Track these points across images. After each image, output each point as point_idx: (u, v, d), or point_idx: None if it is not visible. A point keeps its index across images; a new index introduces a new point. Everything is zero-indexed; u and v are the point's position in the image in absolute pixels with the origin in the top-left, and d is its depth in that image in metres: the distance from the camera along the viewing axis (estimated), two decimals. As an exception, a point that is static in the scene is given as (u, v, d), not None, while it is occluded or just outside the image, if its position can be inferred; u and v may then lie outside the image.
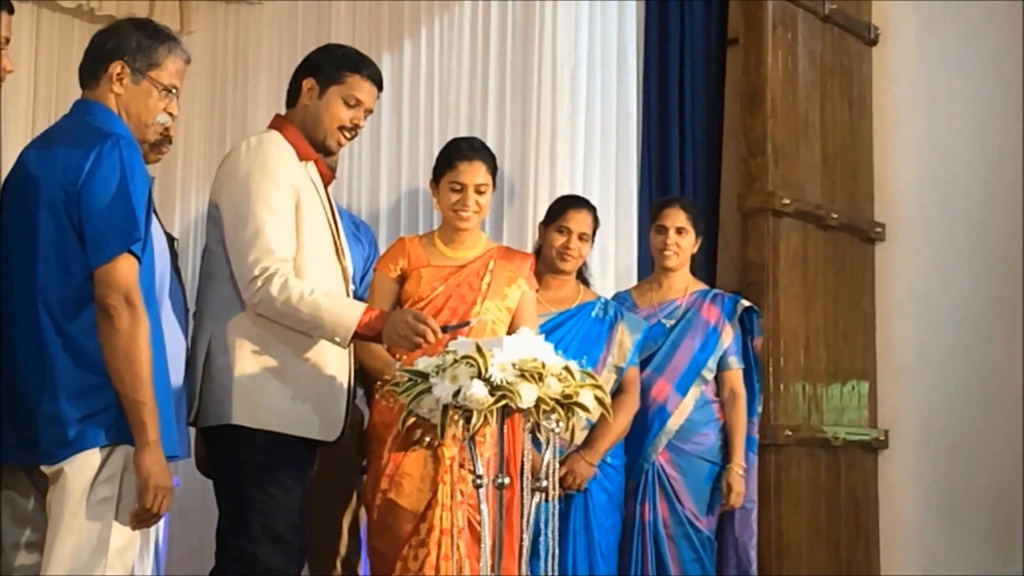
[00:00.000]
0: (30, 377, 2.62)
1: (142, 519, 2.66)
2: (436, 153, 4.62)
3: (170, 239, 3.23)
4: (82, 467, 2.60)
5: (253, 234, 3.12)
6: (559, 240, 3.95)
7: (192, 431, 3.27)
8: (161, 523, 3.38)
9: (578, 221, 3.95)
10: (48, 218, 2.65)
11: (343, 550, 3.79)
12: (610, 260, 4.41)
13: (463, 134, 4.62)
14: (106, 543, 2.59)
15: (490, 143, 4.52)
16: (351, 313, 3.12)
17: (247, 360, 3.15)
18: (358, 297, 3.72)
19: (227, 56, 5.44)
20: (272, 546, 3.12)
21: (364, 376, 3.61)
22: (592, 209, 4.03)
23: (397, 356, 3.04)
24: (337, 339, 3.12)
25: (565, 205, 4.00)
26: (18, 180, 2.74)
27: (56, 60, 5.45)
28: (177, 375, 3.02)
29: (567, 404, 2.84)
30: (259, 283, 3.08)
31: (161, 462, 2.64)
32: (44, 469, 2.63)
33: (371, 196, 4.83)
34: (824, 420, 4.96)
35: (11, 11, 2.61)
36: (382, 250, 4.29)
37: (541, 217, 4.18)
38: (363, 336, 3.14)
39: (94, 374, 2.62)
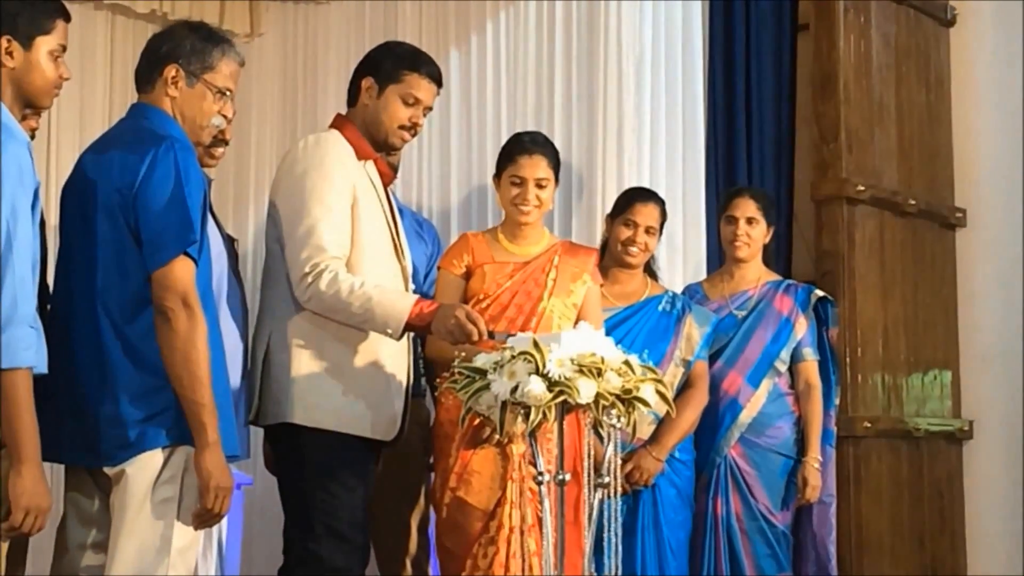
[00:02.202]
0: (90, 380, 2.65)
1: (204, 519, 2.68)
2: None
3: (229, 240, 3.25)
4: (144, 468, 2.63)
5: (306, 232, 3.12)
6: (625, 234, 3.90)
7: (257, 430, 3.30)
8: (224, 522, 3.40)
9: (645, 214, 3.90)
10: (106, 222, 2.68)
11: (412, 549, 3.78)
12: (679, 252, 4.36)
13: (530, 125, 4.61)
14: (168, 543, 2.62)
15: (557, 136, 4.51)
16: (403, 304, 3.11)
17: (304, 359, 3.16)
18: (423, 295, 3.71)
19: (297, 56, 5.48)
20: (335, 545, 3.12)
21: (430, 373, 3.61)
22: (660, 202, 3.98)
23: (456, 353, 3.02)
24: (389, 331, 3.11)
25: (631, 198, 3.95)
26: (76, 184, 2.77)
27: (131, 64, 5.50)
28: (236, 375, 3.03)
29: (627, 399, 2.80)
30: (309, 279, 3.09)
31: (221, 462, 2.65)
32: (107, 471, 2.66)
33: (441, 192, 4.84)
34: (905, 411, 4.85)
35: (68, 19, 2.63)
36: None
37: (609, 205, 4.14)
38: (414, 327, 3.13)
39: (153, 376, 2.64)
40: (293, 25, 5.50)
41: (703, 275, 4.36)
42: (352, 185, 3.22)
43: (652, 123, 4.42)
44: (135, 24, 5.52)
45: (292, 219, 3.16)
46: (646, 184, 4.29)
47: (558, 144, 4.45)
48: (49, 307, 2.76)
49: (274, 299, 3.24)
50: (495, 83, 4.74)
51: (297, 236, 3.14)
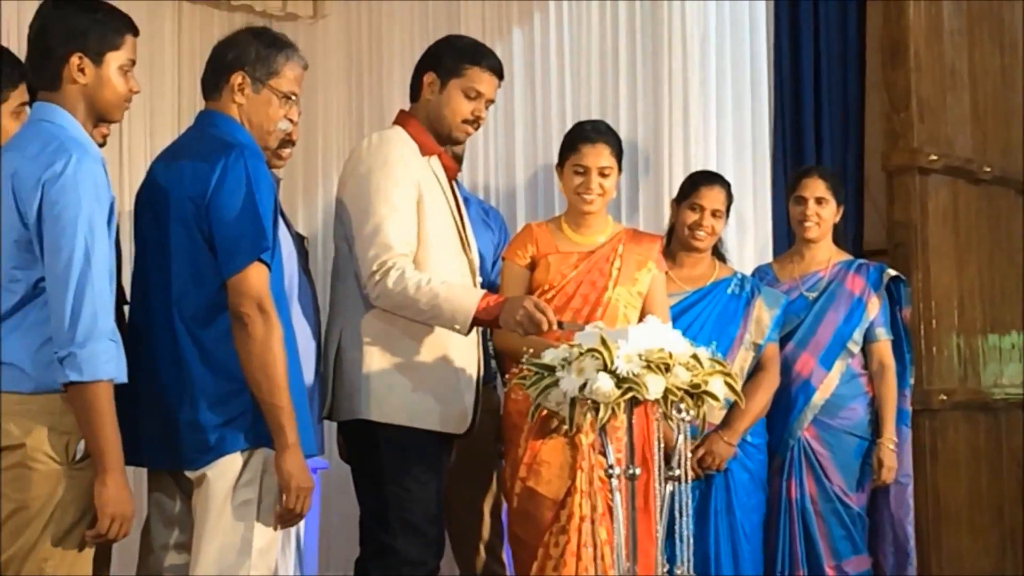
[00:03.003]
0: (169, 386, 2.72)
1: (286, 519, 2.75)
2: (569, 125, 4.65)
3: (299, 238, 3.30)
4: (224, 471, 2.70)
5: (372, 231, 3.16)
6: (691, 218, 3.89)
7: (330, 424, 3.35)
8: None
9: (711, 198, 3.88)
10: (180, 230, 2.74)
11: (486, 534, 3.83)
12: (748, 230, 4.33)
13: (595, 107, 4.60)
14: (249, 544, 2.68)
15: (622, 115, 4.50)
16: (469, 298, 3.14)
17: (375, 356, 3.20)
18: (490, 284, 3.73)
19: (361, 39, 5.49)
20: (410, 538, 3.18)
21: (499, 361, 3.63)
22: (725, 184, 3.95)
23: (524, 349, 3.04)
24: (457, 326, 3.14)
25: (697, 182, 3.93)
26: (149, 192, 2.83)
27: (198, 50, 5.59)
28: (309, 372, 3.09)
29: (696, 393, 2.81)
30: (377, 277, 3.13)
31: (301, 463, 2.71)
32: (188, 474, 2.74)
33: (507, 173, 4.84)
34: (982, 381, 4.79)
35: (136, 33, 2.68)
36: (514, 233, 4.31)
37: (676, 188, 4.13)
38: (482, 321, 3.16)
39: (230, 380, 2.70)
40: (357, 7, 5.51)
41: (770, 254, 4.33)
42: (416, 182, 3.24)
43: (718, 98, 4.38)
44: (201, 9, 5.59)
45: (359, 218, 3.20)
46: (712, 161, 4.27)
47: (623, 124, 4.46)
48: (127, 314, 2.83)
49: (344, 296, 3.29)
50: (559, 63, 4.72)
51: (364, 235, 3.18)
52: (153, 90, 5.11)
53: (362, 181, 3.22)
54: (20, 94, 2.86)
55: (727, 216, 3.95)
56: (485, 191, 4.80)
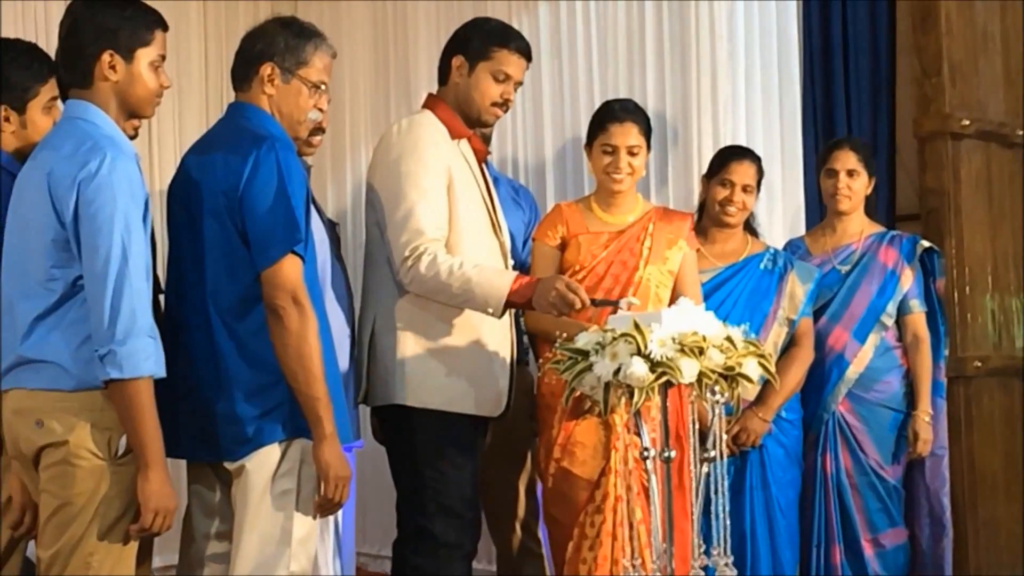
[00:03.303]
0: (206, 378, 2.75)
1: (325, 508, 2.79)
2: (595, 100, 4.63)
3: (331, 224, 3.32)
4: (262, 463, 2.73)
5: (404, 216, 3.17)
6: (722, 193, 3.87)
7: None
8: (339, 508, 3.51)
9: (741, 173, 3.86)
10: (213, 223, 2.75)
11: (521, 512, 3.86)
12: (778, 202, 4.30)
13: (623, 81, 4.58)
14: (289, 534, 2.72)
15: (649, 89, 4.48)
16: (501, 281, 3.16)
17: (409, 340, 3.23)
18: (520, 264, 3.74)
19: (387, 16, 5.48)
20: (446, 520, 3.21)
21: (532, 342, 3.65)
22: (756, 159, 3.93)
23: (557, 333, 3.05)
24: (490, 309, 3.16)
25: (727, 157, 3.91)
26: (181, 186, 2.85)
27: (224, 42, 5.61)
28: (344, 358, 3.11)
29: (730, 376, 2.81)
30: (409, 262, 3.15)
31: (339, 453, 2.74)
32: (227, 465, 2.77)
33: (535, 149, 4.83)
34: (1017, 347, 4.76)
35: (166, 28, 2.69)
36: (545, 211, 4.31)
37: (705, 162, 4.11)
38: (514, 304, 3.17)
39: (266, 372, 2.72)
40: (382, -17, 5.49)
41: (802, 226, 4.31)
42: (447, 167, 3.25)
43: (747, 69, 4.34)
44: (227, 3, 5.59)
45: (390, 204, 3.21)
46: (742, 134, 4.24)
47: (651, 97, 4.44)
48: (163, 306, 2.85)
49: (376, 282, 3.31)
50: (586, 38, 4.69)
51: (396, 220, 3.19)
52: (180, 82, 5.14)
53: (392, 167, 3.23)
54: (50, 89, 2.88)
55: (758, 190, 3.93)
56: (514, 167, 4.80)
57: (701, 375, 2.78)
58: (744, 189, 3.86)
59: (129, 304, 2.47)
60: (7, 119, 2.86)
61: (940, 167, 4.61)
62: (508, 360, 3.34)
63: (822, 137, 4.66)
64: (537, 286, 3.15)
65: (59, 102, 2.85)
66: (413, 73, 5.34)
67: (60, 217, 2.52)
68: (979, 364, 4.54)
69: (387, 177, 3.24)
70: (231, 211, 2.73)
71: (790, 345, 3.86)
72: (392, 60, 5.44)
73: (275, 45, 2.88)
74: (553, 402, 3.43)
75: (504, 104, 3.38)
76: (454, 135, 3.32)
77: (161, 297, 2.85)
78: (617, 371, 2.78)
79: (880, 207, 4.39)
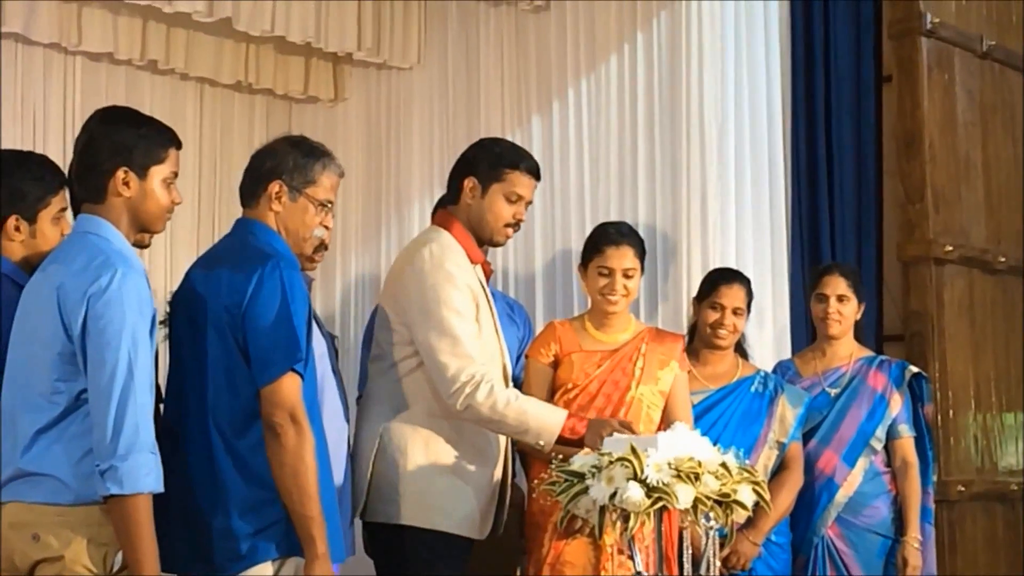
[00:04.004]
0: (202, 493, 2.74)
1: (315, 627, 2.76)
2: (586, 216, 4.70)
3: (331, 338, 3.33)
4: (255, 579, 2.72)
5: (451, 342, 3.21)
6: (712, 316, 3.91)
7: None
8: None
9: (731, 296, 3.91)
10: (215, 338, 2.77)
11: (510, 630, 3.84)
12: (766, 321, 4.36)
13: (613, 196, 4.65)
14: (277, 652, 2.70)
15: (640, 206, 4.55)
16: (555, 419, 3.22)
17: (418, 458, 3.25)
18: (513, 379, 3.76)
19: (380, 121, 5.57)
20: (436, 639, 3.19)
21: (523, 458, 3.65)
22: (745, 281, 3.98)
23: (553, 455, 3.07)
24: (541, 442, 3.22)
25: (716, 280, 3.96)
26: (186, 299, 2.87)
27: (219, 132, 5.69)
28: (339, 474, 3.11)
29: (725, 502, 2.82)
30: (467, 389, 3.17)
31: (330, 573, 2.73)
32: (219, 581, 2.75)
33: (525, 261, 4.88)
34: (999, 471, 4.80)
35: (179, 147, 2.74)
36: (539, 323, 4.35)
37: (695, 280, 4.16)
38: (566, 441, 3.20)
39: (263, 489, 2.73)
40: (376, 90, 5.60)
41: (788, 346, 4.36)
42: (473, 291, 3.31)
43: (736, 190, 4.43)
44: (223, 93, 5.67)
45: (430, 326, 3.23)
46: (731, 254, 4.31)
47: (641, 212, 4.51)
48: (162, 416, 2.86)
49: (379, 398, 3.32)
50: (577, 153, 4.78)
51: (441, 346, 3.21)
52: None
53: (430, 292, 3.25)
54: (60, 200, 2.92)
55: (748, 312, 3.98)
56: (504, 281, 4.84)
57: (696, 501, 2.79)
58: (735, 312, 3.91)
59: (133, 419, 2.48)
60: (17, 228, 2.89)
61: (924, 291, 4.69)
62: (503, 482, 3.37)
63: (808, 258, 4.73)
64: (590, 425, 3.21)
65: (67, 213, 2.88)
66: (405, 180, 5.42)
67: (68, 330, 2.53)
68: (963, 489, 4.58)
69: (423, 300, 3.25)
70: (233, 327, 2.76)
71: (780, 468, 3.88)
72: (384, 167, 5.52)
73: (284, 164, 2.93)
74: (543, 520, 3.44)
75: (516, 224, 3.44)
76: (472, 260, 3.38)
77: (160, 406, 2.86)
78: (613, 495, 2.79)
79: (867, 328, 4.45)
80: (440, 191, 5.26)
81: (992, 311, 4.92)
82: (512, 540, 3.73)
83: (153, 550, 2.51)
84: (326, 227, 2.99)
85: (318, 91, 5.70)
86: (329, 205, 2.98)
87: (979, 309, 4.86)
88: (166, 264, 5.25)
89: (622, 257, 3.57)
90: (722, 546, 3.59)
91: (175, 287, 2.97)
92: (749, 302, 3.97)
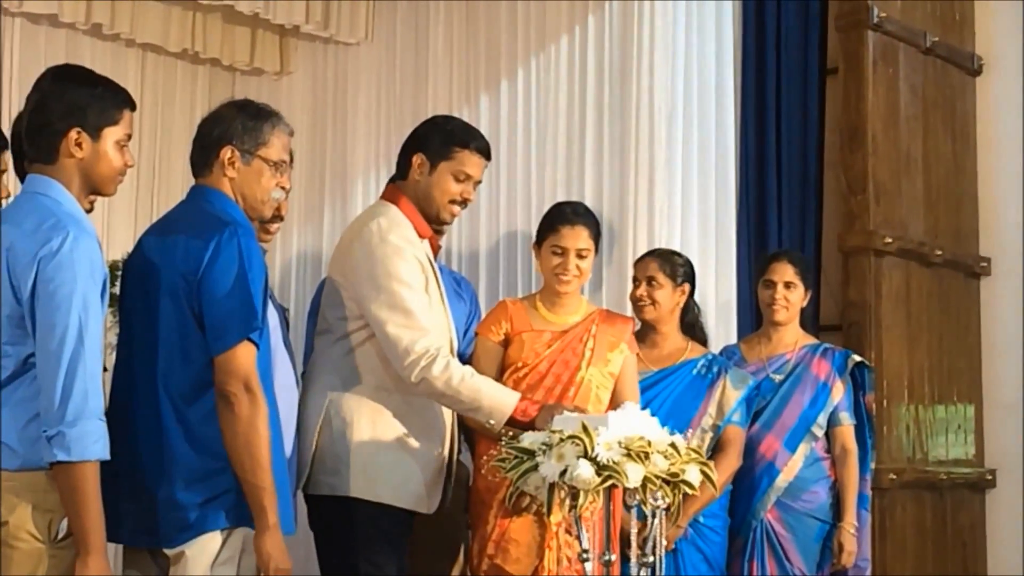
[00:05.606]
0: (151, 462, 2.71)
1: (264, 600, 2.74)
2: (533, 195, 4.70)
3: (282, 311, 3.30)
4: (203, 550, 2.68)
5: (404, 314, 3.19)
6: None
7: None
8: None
9: (641, 268, 3.91)
10: (169, 305, 2.73)
11: (453, 607, 3.84)
12: (711, 308, 4.37)
13: (560, 176, 4.65)
14: (226, 623, 2.67)
15: (587, 186, 4.55)
16: (508, 400, 3.23)
17: (364, 431, 3.23)
18: (460, 356, 3.76)
19: (326, 96, 5.52)
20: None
21: (469, 435, 3.65)
22: (657, 254, 3.97)
23: (502, 431, 3.07)
24: (492, 422, 3.22)
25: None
26: (139, 266, 2.82)
27: (161, 100, 5.60)
28: (288, 444, 3.08)
29: (673, 482, 2.84)
30: (423, 362, 3.16)
31: (280, 544, 2.71)
32: (166, 551, 2.71)
33: (470, 239, 4.86)
34: (929, 461, 4.89)
35: (133, 108, 2.69)
36: (482, 303, 4.34)
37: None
38: (517, 422, 3.20)
39: (213, 459, 2.69)
40: (323, 64, 5.55)
41: (734, 329, 4.39)
42: (423, 265, 3.30)
43: (684, 175, 4.45)
44: (165, 61, 5.58)
45: (382, 300, 3.21)
46: (677, 238, 4.32)
47: (588, 195, 4.51)
48: (111, 384, 2.81)
49: (323, 371, 3.29)
50: (525, 132, 4.77)
51: (394, 318, 3.19)
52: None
53: (380, 265, 3.24)
54: (2, 162, 2.85)
55: (677, 284, 3.94)
56: (448, 257, 4.82)
57: (646, 480, 2.80)
58: (648, 282, 3.91)
59: (82, 385, 2.44)
60: None
61: (863, 282, 4.75)
62: (450, 457, 3.36)
63: (755, 244, 4.77)
64: (541, 411, 3.21)
65: (7, 176, 2.82)
66: (349, 156, 5.37)
67: (17, 293, 2.48)
68: (894, 477, 4.65)
69: (373, 274, 3.23)
70: (189, 294, 2.72)
71: (715, 451, 3.89)
72: (329, 142, 5.47)
73: (233, 128, 2.89)
74: (488, 498, 3.44)
75: (463, 203, 3.43)
76: (420, 234, 3.36)
77: (106, 376, 2.81)
78: (563, 472, 2.79)
79: (805, 319, 4.49)
80: (385, 168, 5.25)
81: (928, 304, 5.00)
82: (457, 517, 3.72)
83: (99, 518, 2.47)
84: (283, 188, 2.96)
85: (264, 63, 5.63)
86: (284, 165, 2.94)
87: (915, 301, 4.94)
88: (103, 231, 5.14)
89: (576, 237, 3.57)
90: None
91: (112, 254, 2.92)
92: (673, 272, 3.93)
